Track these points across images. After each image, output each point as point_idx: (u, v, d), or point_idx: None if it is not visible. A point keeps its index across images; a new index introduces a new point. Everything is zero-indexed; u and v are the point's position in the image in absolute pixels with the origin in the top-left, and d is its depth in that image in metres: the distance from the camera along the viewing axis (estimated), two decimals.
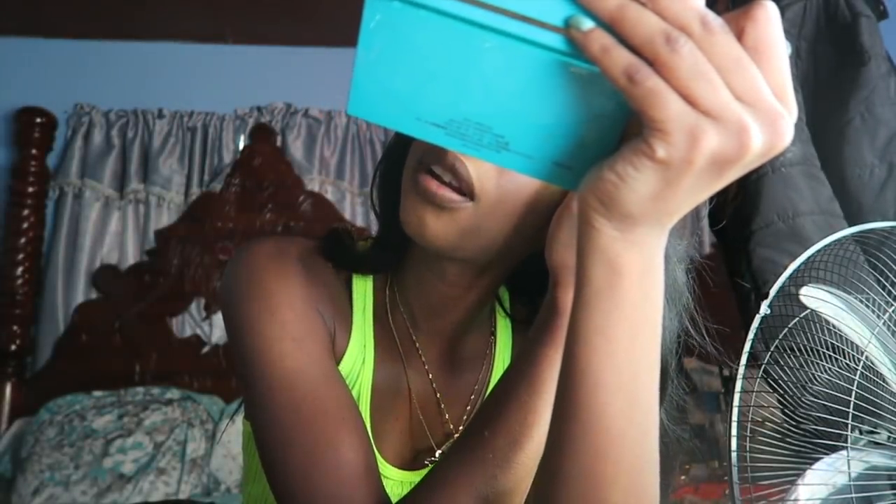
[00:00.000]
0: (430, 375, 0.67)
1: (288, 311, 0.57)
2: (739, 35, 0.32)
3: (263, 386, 0.56)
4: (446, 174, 0.52)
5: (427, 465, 0.65)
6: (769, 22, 0.32)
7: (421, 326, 0.66)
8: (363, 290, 0.66)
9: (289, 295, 0.58)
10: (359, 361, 0.63)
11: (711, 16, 0.31)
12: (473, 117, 0.36)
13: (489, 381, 0.69)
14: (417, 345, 0.66)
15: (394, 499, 0.55)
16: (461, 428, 0.66)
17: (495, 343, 0.70)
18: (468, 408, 0.68)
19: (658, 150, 0.32)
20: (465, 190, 0.52)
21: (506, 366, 0.69)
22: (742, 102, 0.32)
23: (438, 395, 0.67)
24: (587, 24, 0.32)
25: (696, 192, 0.34)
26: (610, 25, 0.32)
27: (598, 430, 0.39)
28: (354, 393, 0.63)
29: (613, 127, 0.36)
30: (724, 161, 0.32)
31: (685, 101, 0.31)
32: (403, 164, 0.59)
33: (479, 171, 0.52)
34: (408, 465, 0.65)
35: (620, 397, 0.38)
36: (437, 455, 0.65)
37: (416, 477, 0.64)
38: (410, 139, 0.58)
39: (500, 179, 0.52)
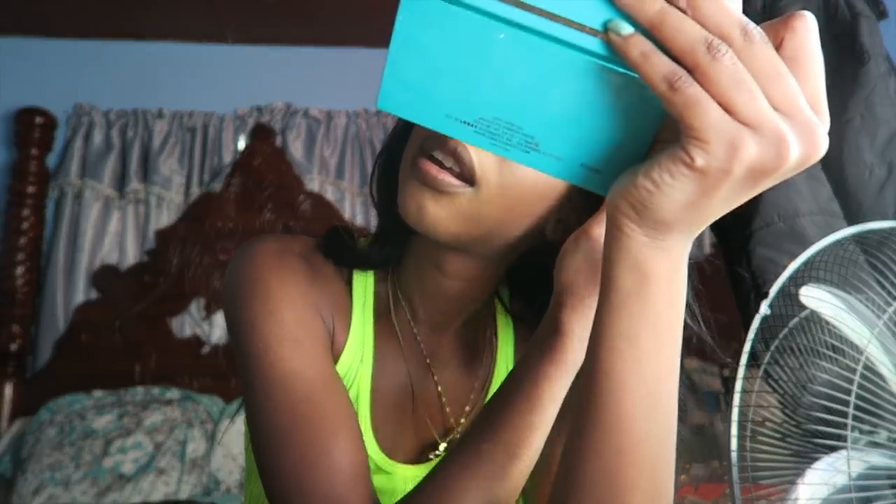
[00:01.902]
0: (432, 370, 0.67)
1: (288, 311, 0.57)
2: (777, 45, 0.32)
3: (260, 387, 0.56)
4: (448, 159, 0.52)
5: (431, 460, 0.65)
6: (808, 33, 0.32)
7: (422, 321, 0.66)
8: (363, 286, 0.66)
9: (289, 294, 0.58)
10: (357, 358, 0.63)
11: (751, 25, 0.31)
12: (504, 116, 0.36)
13: (491, 378, 0.69)
14: (419, 339, 0.67)
15: (397, 494, 0.55)
16: (462, 420, 0.67)
17: (496, 339, 0.70)
18: (471, 396, 0.68)
19: (697, 159, 0.32)
20: (466, 175, 0.52)
21: (508, 363, 0.69)
22: (780, 112, 0.32)
23: (440, 390, 0.67)
24: (627, 28, 0.32)
25: (730, 201, 0.35)
26: (650, 31, 0.32)
27: (621, 433, 0.39)
28: (353, 390, 0.63)
29: (646, 132, 0.36)
30: (761, 171, 0.33)
31: (724, 111, 0.31)
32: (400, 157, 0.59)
33: (481, 157, 0.52)
34: (412, 459, 0.66)
35: (644, 401, 0.39)
36: (440, 449, 0.65)
37: (420, 471, 0.64)
38: (410, 130, 0.58)
39: (503, 167, 0.52)
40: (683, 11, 0.31)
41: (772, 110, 0.31)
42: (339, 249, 0.65)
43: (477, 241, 0.57)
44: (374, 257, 0.65)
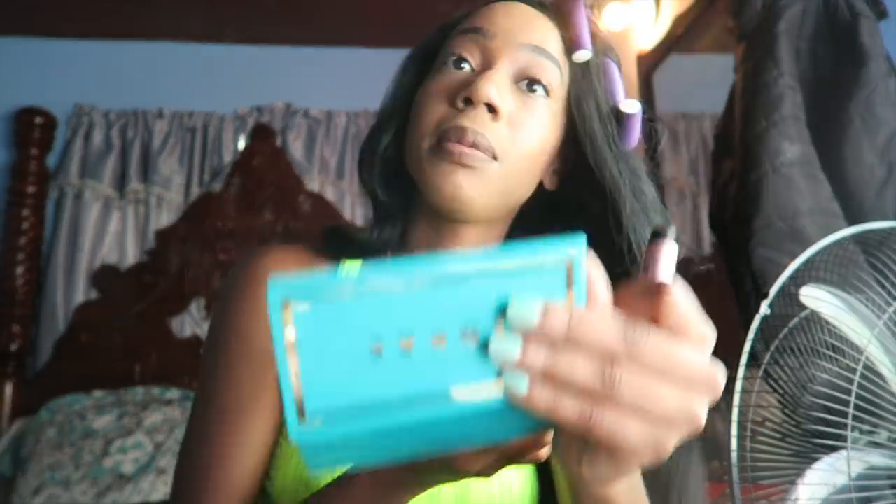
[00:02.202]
0: None
1: (233, 337, 0.64)
2: (655, 315, 0.33)
3: (197, 393, 0.65)
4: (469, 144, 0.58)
5: None
6: (679, 306, 0.33)
7: None
8: None
9: (248, 317, 0.64)
10: None
11: (629, 328, 0.32)
12: (433, 452, 0.37)
13: None
14: None
15: None
16: None
17: None
18: None
19: (633, 464, 0.35)
20: (490, 152, 0.59)
21: None
22: (684, 390, 0.32)
23: None
24: (522, 385, 0.31)
25: None
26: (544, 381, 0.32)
27: None
28: None
29: None
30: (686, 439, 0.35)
31: (640, 419, 0.32)
32: (396, 140, 0.66)
33: (496, 137, 0.59)
34: None
35: None
36: None
37: None
38: (398, 118, 0.66)
39: (515, 138, 0.60)
40: (566, 340, 0.31)
41: (678, 395, 0.32)
42: (340, 245, 0.68)
43: (501, 209, 0.63)
44: (373, 243, 0.68)
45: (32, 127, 2.63)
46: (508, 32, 0.62)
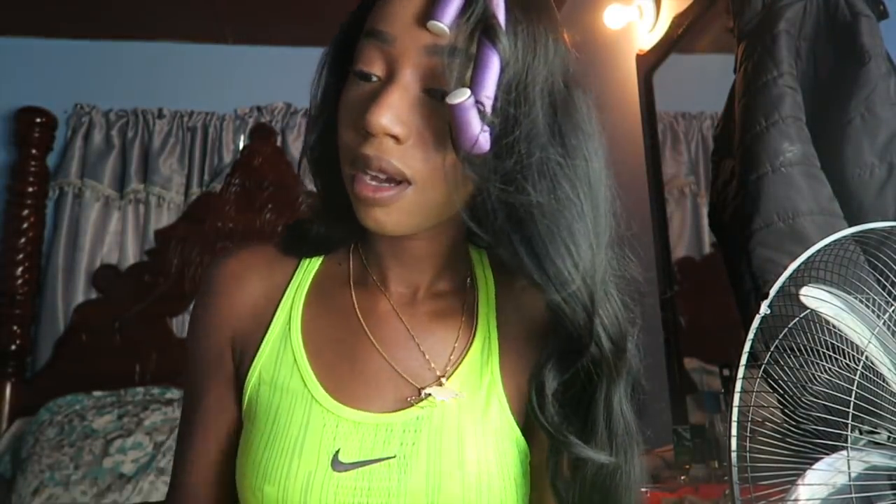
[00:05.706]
0: (408, 326, 0.67)
1: (191, 338, 0.70)
2: None
3: None
4: (379, 175, 0.57)
5: (411, 405, 0.63)
6: None
7: (395, 285, 0.68)
8: (302, 273, 0.70)
9: (205, 321, 0.69)
10: (278, 341, 0.66)
11: None
12: None
13: (475, 329, 0.68)
14: (391, 300, 0.68)
15: (371, 439, 0.60)
16: (447, 369, 0.65)
17: (476, 294, 0.70)
18: (455, 345, 0.67)
19: None
20: (400, 179, 0.57)
21: (489, 318, 0.68)
22: None
23: (417, 342, 0.66)
24: None
25: None
26: None
27: None
28: (283, 370, 0.65)
29: None
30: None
31: None
32: (325, 142, 0.65)
33: (405, 160, 0.56)
34: (388, 408, 0.64)
35: None
36: (421, 395, 0.63)
37: (394, 418, 0.62)
38: (323, 120, 0.64)
39: (427, 157, 0.57)
40: None
41: None
42: (297, 243, 0.70)
43: (433, 220, 0.62)
44: (331, 240, 0.69)
45: (32, 127, 2.64)
46: (408, 33, 0.56)
